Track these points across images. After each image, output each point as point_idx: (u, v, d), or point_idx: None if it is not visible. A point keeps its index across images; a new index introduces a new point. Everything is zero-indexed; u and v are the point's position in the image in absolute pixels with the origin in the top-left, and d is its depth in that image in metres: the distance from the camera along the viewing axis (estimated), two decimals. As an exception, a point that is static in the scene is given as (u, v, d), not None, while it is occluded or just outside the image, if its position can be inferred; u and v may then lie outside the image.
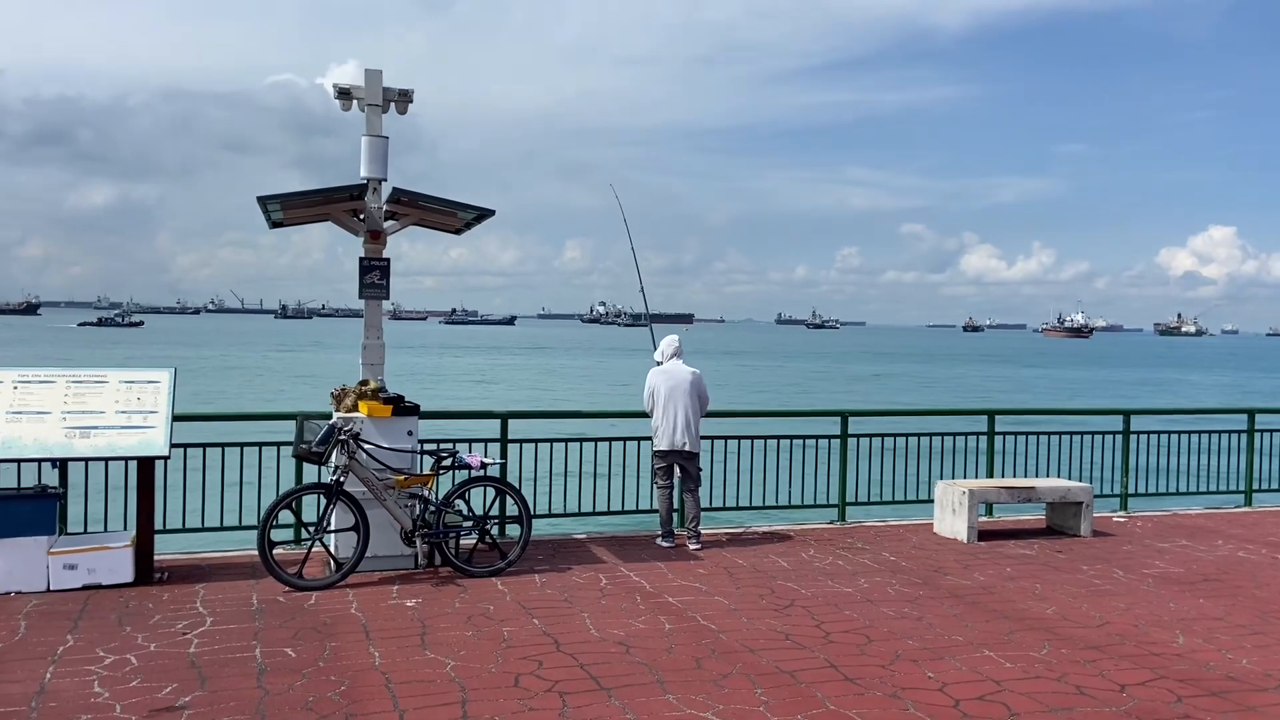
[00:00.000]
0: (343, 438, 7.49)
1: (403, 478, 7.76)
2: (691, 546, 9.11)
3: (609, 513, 9.88)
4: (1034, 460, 11.14)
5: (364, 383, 8.34)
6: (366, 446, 7.69)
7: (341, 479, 7.52)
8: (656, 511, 9.76)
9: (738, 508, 10.25)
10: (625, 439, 9.83)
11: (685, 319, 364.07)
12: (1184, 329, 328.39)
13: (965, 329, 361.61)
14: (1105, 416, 12.56)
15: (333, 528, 7.67)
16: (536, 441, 9.60)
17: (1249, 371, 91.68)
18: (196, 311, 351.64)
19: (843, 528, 10.24)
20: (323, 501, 7.55)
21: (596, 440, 9.77)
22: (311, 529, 7.75)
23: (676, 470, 9.22)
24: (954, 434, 11.09)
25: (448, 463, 7.95)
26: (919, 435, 10.96)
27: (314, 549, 7.76)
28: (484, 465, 8.02)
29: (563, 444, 9.67)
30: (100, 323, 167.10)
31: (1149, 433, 11.80)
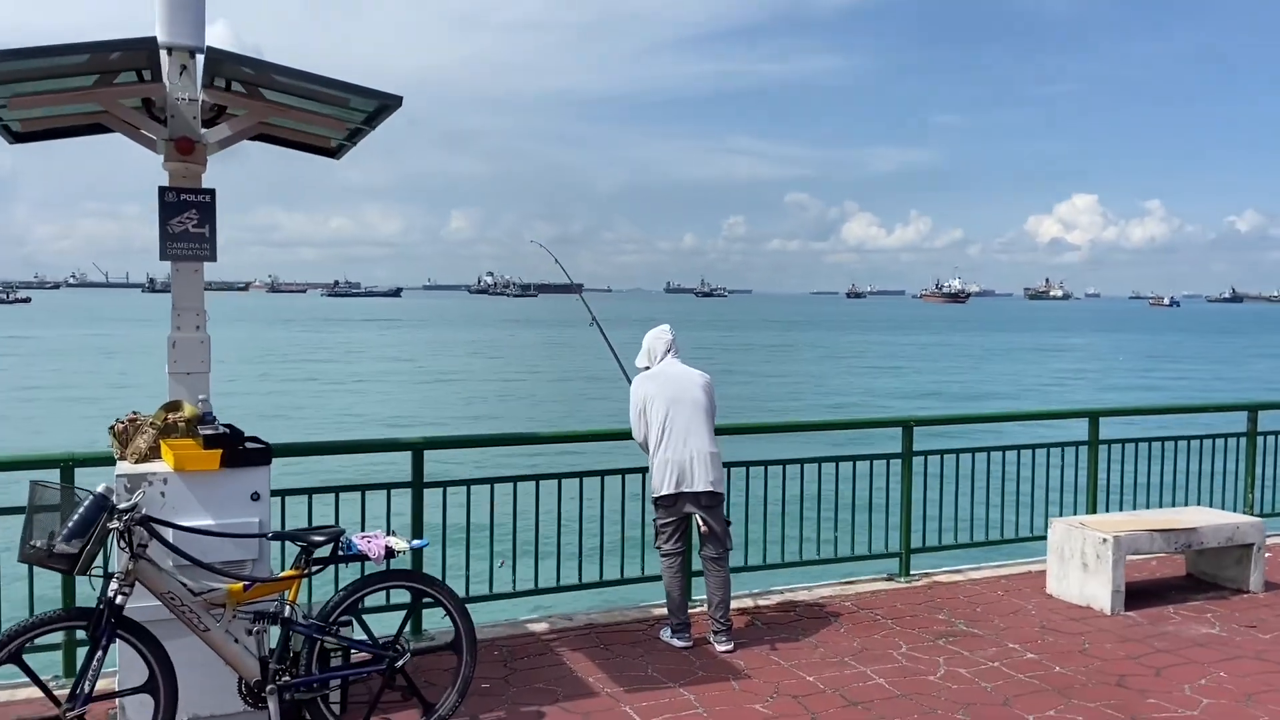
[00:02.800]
0: (119, 525, 3.95)
1: (241, 585, 4.25)
2: (721, 647, 5.82)
3: (580, 586, 6.54)
4: (1139, 478, 8.20)
5: (171, 407, 4.76)
6: (169, 532, 4.17)
7: (119, 596, 3.99)
8: (652, 582, 6.50)
9: (764, 566, 7.03)
10: (601, 472, 6.51)
11: (574, 289, 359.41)
12: (1052, 293, 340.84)
13: (848, 295, 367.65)
14: (1223, 414, 9.43)
15: (114, 686, 4.15)
16: (468, 483, 6.16)
17: (1175, 335, 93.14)
18: (56, 286, 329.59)
19: (913, 588, 7.13)
20: (102, 638, 4.01)
21: (559, 476, 6.43)
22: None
23: (695, 523, 5.98)
24: (1048, 445, 8.03)
25: (325, 552, 4.45)
26: (983, 450, 7.84)
27: None
28: (390, 552, 4.56)
29: (506, 485, 6.26)
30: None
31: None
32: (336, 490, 5.82)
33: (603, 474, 6.50)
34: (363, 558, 4.44)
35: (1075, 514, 7.71)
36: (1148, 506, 7.98)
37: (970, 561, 7.80)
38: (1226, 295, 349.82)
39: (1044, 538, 7.23)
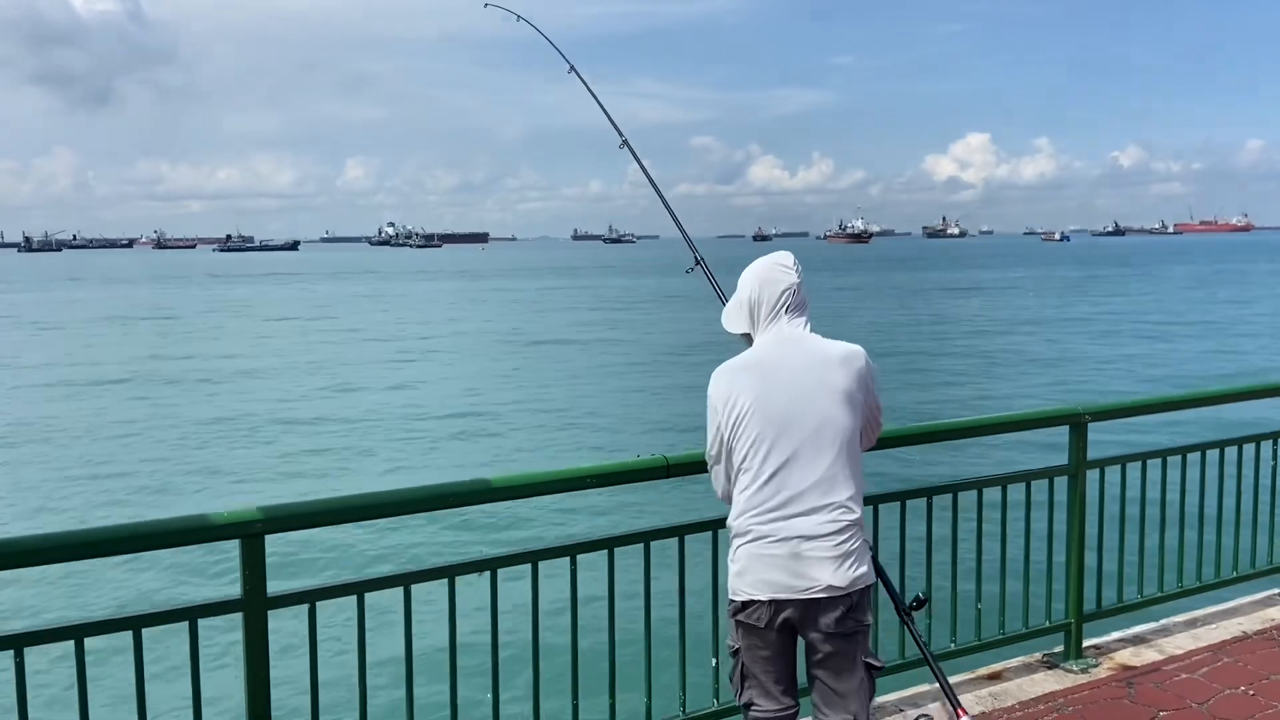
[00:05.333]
0: None
1: None
2: None
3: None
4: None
5: None
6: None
7: None
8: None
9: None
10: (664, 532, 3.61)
11: (480, 238, 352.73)
12: (949, 231, 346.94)
13: (754, 238, 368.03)
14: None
15: None
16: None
17: (1084, 267, 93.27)
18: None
19: (1095, 681, 4.41)
20: None
21: (570, 551, 3.51)
22: None
23: (808, 649, 3.01)
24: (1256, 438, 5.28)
25: None
26: (1179, 452, 5.06)
27: None
28: None
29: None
30: None
31: None
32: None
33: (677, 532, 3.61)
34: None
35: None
36: None
37: (1164, 616, 5.13)
38: (1110, 229, 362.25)
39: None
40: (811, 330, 3.09)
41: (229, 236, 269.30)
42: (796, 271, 3.11)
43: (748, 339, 3.12)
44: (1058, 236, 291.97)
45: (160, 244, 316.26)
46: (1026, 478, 4.48)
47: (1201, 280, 68.33)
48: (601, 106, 3.77)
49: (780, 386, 2.95)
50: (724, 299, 3.30)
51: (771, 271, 3.11)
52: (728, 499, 3.08)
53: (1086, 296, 54.42)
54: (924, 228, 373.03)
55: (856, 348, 3.03)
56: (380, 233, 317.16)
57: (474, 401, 21.81)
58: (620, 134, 3.72)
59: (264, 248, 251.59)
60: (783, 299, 3.06)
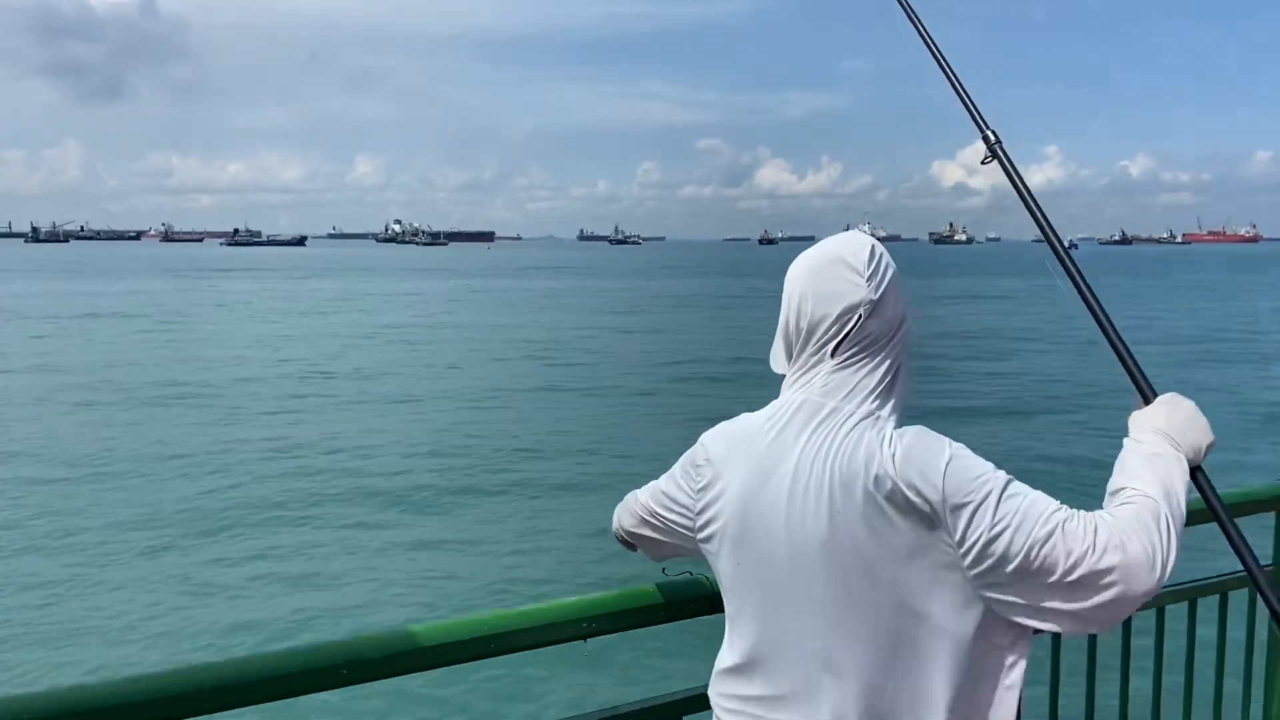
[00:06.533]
0: None
1: None
2: None
3: None
4: None
5: None
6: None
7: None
8: None
9: None
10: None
11: (486, 237, 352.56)
12: (956, 237, 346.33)
13: (760, 242, 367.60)
14: None
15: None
16: None
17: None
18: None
19: None
20: None
21: None
22: None
23: None
24: None
25: None
26: None
27: None
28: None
29: None
30: None
31: None
32: None
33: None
34: None
35: None
36: None
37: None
38: (1116, 238, 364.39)
39: None
40: (880, 395, 1.66)
41: (236, 230, 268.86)
42: (872, 277, 1.69)
43: (784, 380, 1.81)
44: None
45: (168, 237, 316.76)
46: (1193, 593, 2.75)
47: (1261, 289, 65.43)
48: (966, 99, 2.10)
49: (770, 500, 1.66)
50: (1113, 337, 1.91)
51: (824, 274, 1.72)
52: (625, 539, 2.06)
53: (1144, 303, 51.75)
54: (930, 233, 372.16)
55: (913, 441, 1.58)
56: (387, 230, 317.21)
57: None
58: (989, 136, 2.16)
59: (271, 242, 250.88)
60: (835, 327, 1.68)
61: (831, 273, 1.70)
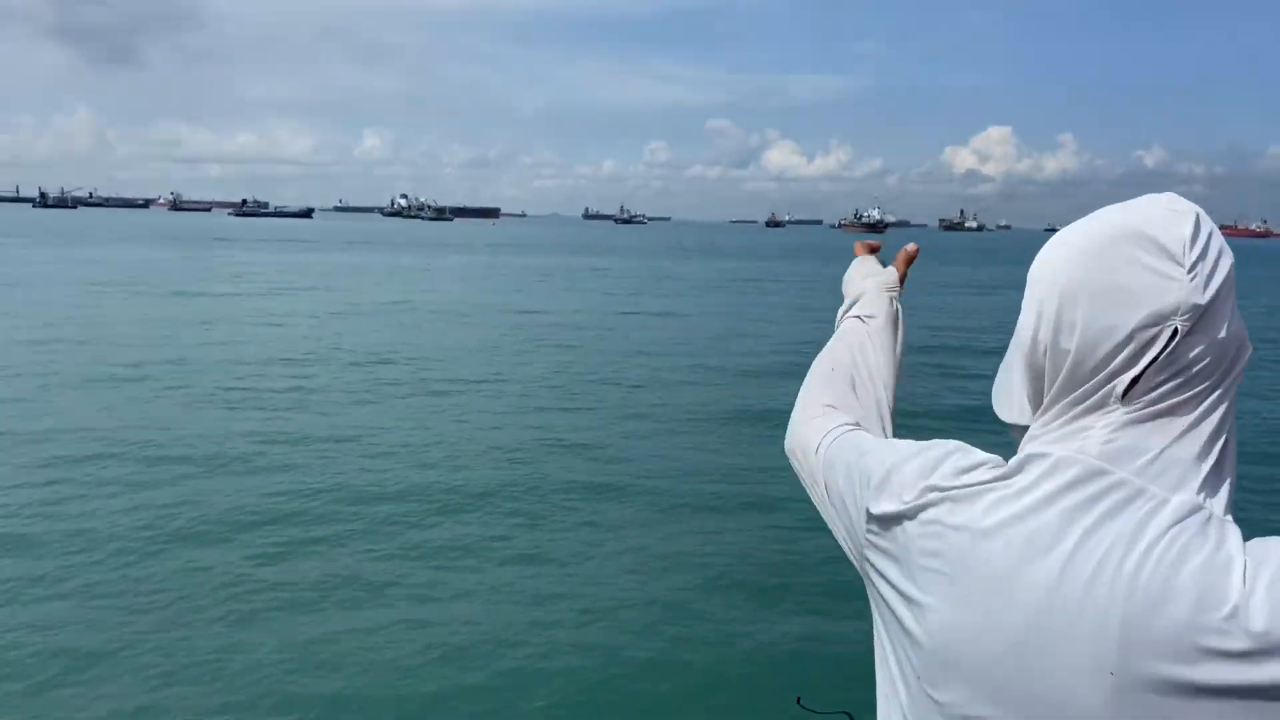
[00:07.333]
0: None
1: None
2: None
3: None
4: None
5: None
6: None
7: None
8: None
9: None
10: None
11: (491, 213, 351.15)
12: (966, 224, 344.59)
13: (767, 224, 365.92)
14: None
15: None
16: None
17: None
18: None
19: None
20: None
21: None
22: None
23: None
24: None
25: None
26: None
27: None
28: None
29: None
30: None
31: None
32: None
33: None
34: None
35: None
36: None
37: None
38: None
39: None
40: (1210, 471, 1.00)
41: (244, 201, 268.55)
42: (1197, 266, 1.00)
43: (1019, 434, 1.14)
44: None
45: (176, 205, 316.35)
46: None
47: None
48: None
49: (1015, 627, 0.99)
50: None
51: (1111, 258, 1.03)
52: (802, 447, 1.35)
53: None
54: (940, 220, 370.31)
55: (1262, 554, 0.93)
56: (393, 204, 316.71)
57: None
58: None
59: (279, 214, 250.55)
60: (1131, 350, 1.01)
61: (1124, 255, 1.02)
